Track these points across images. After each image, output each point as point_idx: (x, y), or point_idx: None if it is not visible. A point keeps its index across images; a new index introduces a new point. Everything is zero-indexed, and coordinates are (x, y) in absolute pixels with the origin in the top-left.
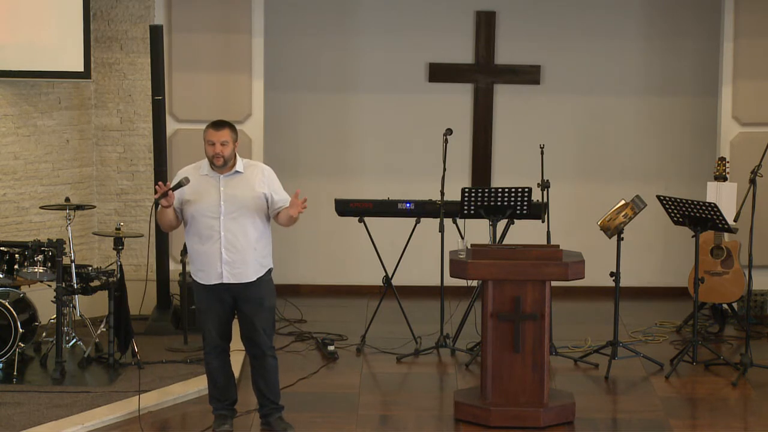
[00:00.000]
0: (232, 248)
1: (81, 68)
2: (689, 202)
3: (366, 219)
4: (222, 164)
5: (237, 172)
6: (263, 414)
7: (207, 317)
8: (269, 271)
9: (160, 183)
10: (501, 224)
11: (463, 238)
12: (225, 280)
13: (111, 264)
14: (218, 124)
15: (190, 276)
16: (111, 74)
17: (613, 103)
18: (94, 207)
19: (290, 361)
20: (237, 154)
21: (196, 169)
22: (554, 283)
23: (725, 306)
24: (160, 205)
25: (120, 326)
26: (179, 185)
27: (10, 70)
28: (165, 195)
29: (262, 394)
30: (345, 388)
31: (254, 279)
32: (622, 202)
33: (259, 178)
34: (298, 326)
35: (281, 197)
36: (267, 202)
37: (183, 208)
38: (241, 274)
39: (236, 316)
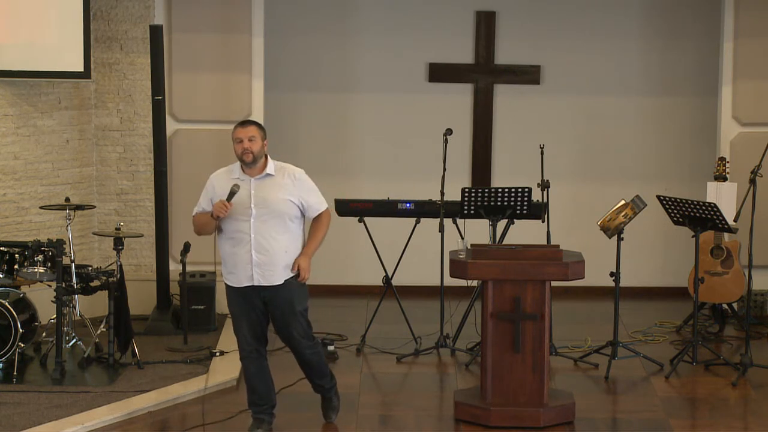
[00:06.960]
0: (262, 250)
1: (81, 68)
2: (689, 202)
3: (366, 219)
4: (252, 160)
5: (268, 174)
6: (315, 390)
7: (240, 321)
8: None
9: (224, 202)
10: (501, 224)
11: (463, 238)
12: (255, 282)
13: (111, 264)
14: (244, 122)
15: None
16: (111, 74)
17: (613, 103)
18: (94, 207)
19: (290, 361)
20: (268, 156)
21: (228, 173)
22: (554, 283)
23: (725, 306)
24: (214, 215)
25: (120, 326)
26: (233, 194)
27: (10, 70)
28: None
29: (307, 375)
30: (345, 388)
31: (282, 282)
32: (622, 202)
33: (289, 183)
34: None
35: (314, 200)
36: (299, 207)
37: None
38: (271, 275)
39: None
